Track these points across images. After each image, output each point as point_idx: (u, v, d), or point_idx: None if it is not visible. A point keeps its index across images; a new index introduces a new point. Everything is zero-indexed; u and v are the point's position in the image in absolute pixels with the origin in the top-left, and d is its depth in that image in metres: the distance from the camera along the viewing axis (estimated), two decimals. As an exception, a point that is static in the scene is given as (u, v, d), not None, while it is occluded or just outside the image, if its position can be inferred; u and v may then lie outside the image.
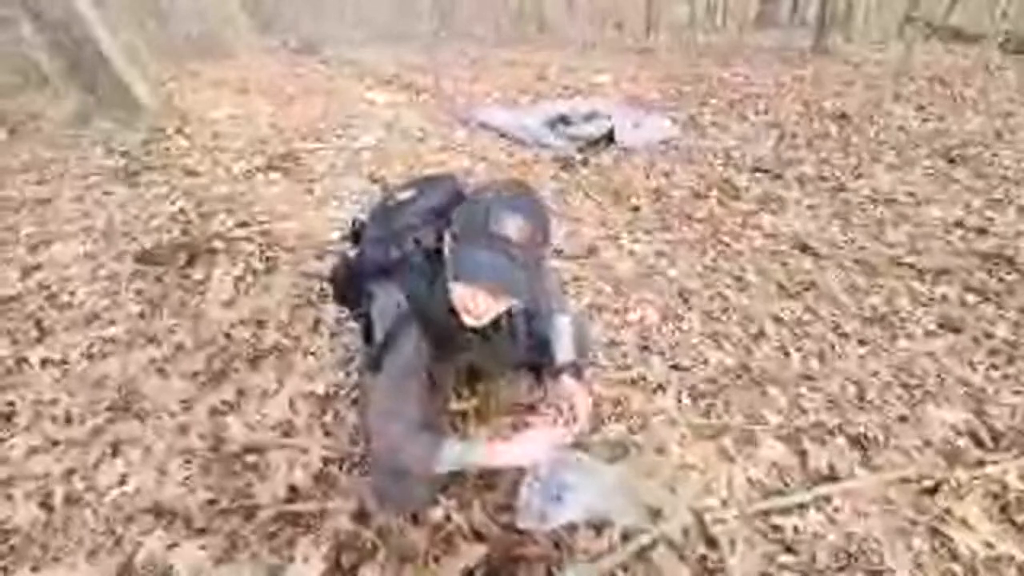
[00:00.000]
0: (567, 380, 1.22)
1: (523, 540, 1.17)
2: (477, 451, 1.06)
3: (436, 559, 1.14)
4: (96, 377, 1.67)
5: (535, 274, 0.95)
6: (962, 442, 1.44)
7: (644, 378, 1.67)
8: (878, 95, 4.71)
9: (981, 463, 1.37)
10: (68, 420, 1.52)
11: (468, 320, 0.99)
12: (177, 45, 7.12)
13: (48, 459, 1.39)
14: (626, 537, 1.18)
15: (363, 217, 1.21)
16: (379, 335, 1.03)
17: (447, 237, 0.96)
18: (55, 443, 1.44)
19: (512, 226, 0.87)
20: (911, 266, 2.26)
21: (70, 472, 1.36)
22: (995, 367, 1.72)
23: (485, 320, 1.00)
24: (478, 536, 1.18)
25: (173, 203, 2.80)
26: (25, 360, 1.75)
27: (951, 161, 3.31)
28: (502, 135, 4.11)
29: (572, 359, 1.26)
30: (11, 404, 1.58)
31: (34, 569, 1.14)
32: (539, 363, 1.42)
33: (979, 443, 1.44)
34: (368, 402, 1.10)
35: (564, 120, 4.19)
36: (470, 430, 1.46)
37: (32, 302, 2.04)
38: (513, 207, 0.88)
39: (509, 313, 1.18)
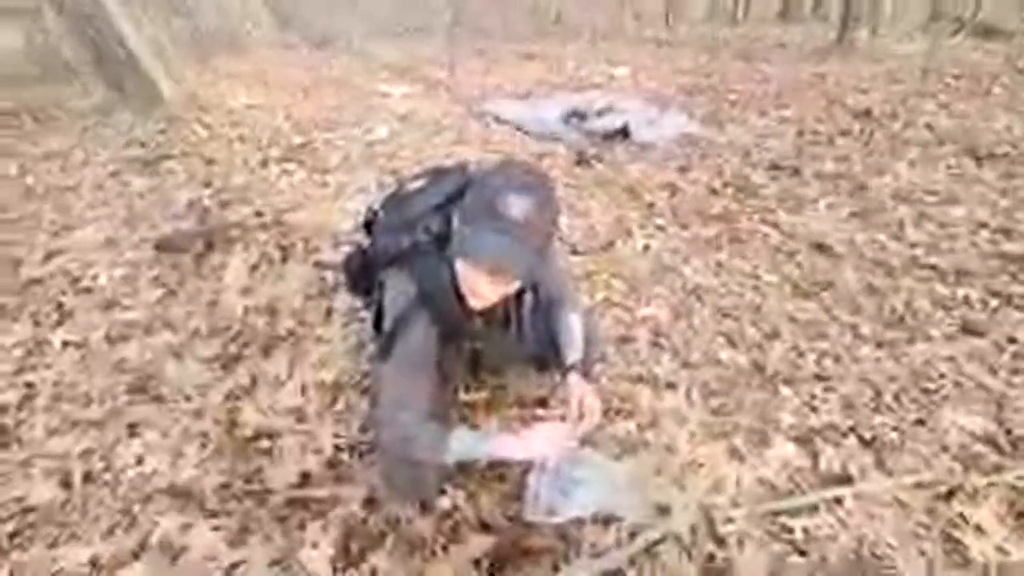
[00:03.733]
0: (576, 377, 1.22)
1: (530, 532, 1.17)
2: (486, 443, 1.06)
3: (444, 548, 1.14)
4: (115, 360, 1.71)
5: (541, 259, 0.95)
6: (979, 447, 1.41)
7: (654, 375, 1.66)
8: (903, 91, 4.60)
9: (998, 469, 1.34)
10: (88, 401, 1.56)
11: (472, 302, 0.99)
12: (199, 40, 7.19)
13: (67, 439, 1.43)
14: (633, 533, 1.17)
15: (376, 206, 1.21)
16: (388, 324, 1.04)
17: (455, 218, 0.96)
18: (74, 423, 1.48)
19: (519, 208, 0.86)
20: (932, 267, 2.21)
21: (88, 452, 1.39)
22: (1016, 372, 1.67)
23: (489, 302, 1.00)
24: (485, 527, 1.19)
25: (191, 192, 2.85)
26: (47, 342, 1.80)
27: (977, 160, 3.22)
28: (516, 128, 4.10)
29: (582, 357, 1.25)
30: (31, 385, 1.62)
31: (51, 546, 1.17)
32: (547, 357, 1.42)
33: (997, 449, 1.41)
34: (378, 390, 1.10)
35: (579, 114, 4.16)
36: (479, 422, 1.46)
37: (54, 286, 2.09)
38: (521, 189, 0.87)
39: (517, 302, 1.18)
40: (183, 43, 6.30)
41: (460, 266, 0.95)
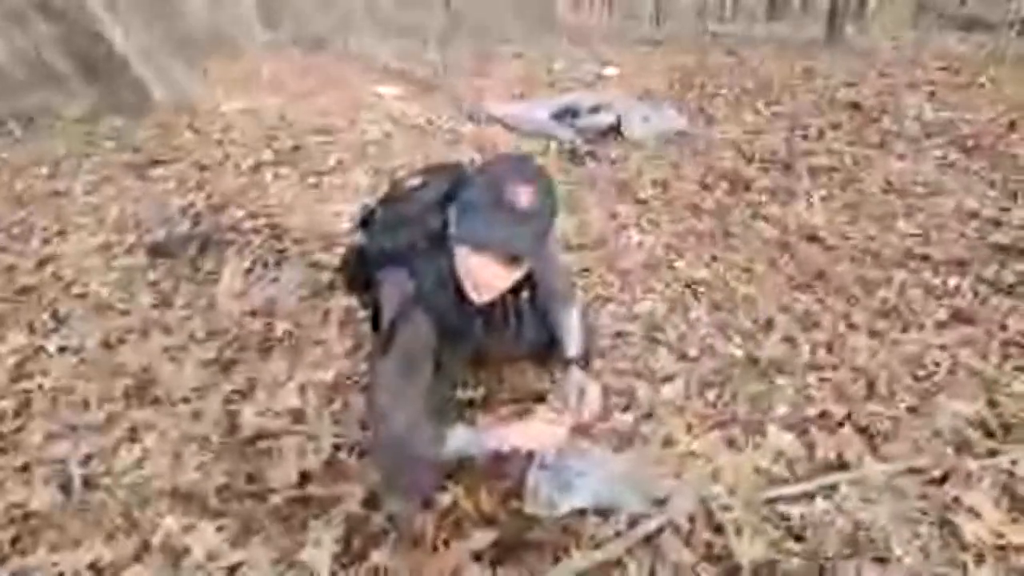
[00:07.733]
0: (576, 372, 1.23)
1: (531, 525, 1.18)
2: (484, 438, 1.07)
3: (445, 543, 1.15)
4: (112, 365, 1.70)
5: (543, 249, 0.95)
6: (972, 433, 1.43)
7: (651, 369, 1.67)
8: (891, 85, 4.63)
9: (991, 453, 1.37)
10: (86, 406, 1.55)
11: (475, 296, 0.99)
12: (188, 41, 7.15)
13: (66, 444, 1.42)
14: (633, 524, 1.19)
15: (373, 204, 1.22)
16: (386, 321, 1.04)
17: (454, 212, 0.96)
18: (73, 428, 1.48)
19: (526, 196, 0.87)
20: (924, 257, 2.24)
21: (88, 457, 1.39)
22: (1007, 358, 1.70)
23: (495, 293, 0.99)
24: (486, 521, 1.20)
25: (184, 196, 2.83)
26: (42, 348, 1.79)
27: (966, 151, 3.26)
28: (509, 127, 4.10)
29: (581, 351, 1.26)
30: (28, 392, 1.61)
31: (52, 551, 1.17)
32: (546, 352, 1.43)
33: (989, 434, 1.43)
34: (375, 388, 1.11)
35: (572, 112, 4.16)
36: (477, 418, 1.47)
37: (48, 292, 2.08)
38: (524, 179, 0.89)
39: (516, 298, 1.19)
40: (172, 45, 6.26)
41: (469, 257, 0.93)
